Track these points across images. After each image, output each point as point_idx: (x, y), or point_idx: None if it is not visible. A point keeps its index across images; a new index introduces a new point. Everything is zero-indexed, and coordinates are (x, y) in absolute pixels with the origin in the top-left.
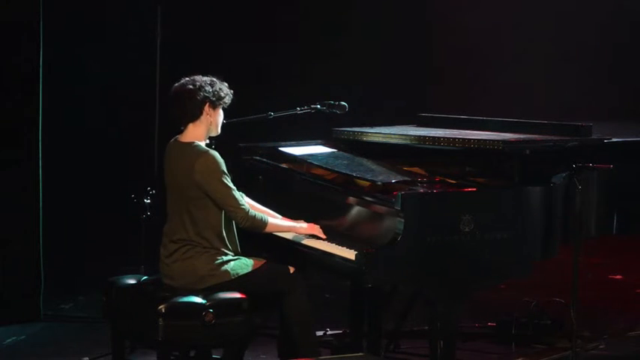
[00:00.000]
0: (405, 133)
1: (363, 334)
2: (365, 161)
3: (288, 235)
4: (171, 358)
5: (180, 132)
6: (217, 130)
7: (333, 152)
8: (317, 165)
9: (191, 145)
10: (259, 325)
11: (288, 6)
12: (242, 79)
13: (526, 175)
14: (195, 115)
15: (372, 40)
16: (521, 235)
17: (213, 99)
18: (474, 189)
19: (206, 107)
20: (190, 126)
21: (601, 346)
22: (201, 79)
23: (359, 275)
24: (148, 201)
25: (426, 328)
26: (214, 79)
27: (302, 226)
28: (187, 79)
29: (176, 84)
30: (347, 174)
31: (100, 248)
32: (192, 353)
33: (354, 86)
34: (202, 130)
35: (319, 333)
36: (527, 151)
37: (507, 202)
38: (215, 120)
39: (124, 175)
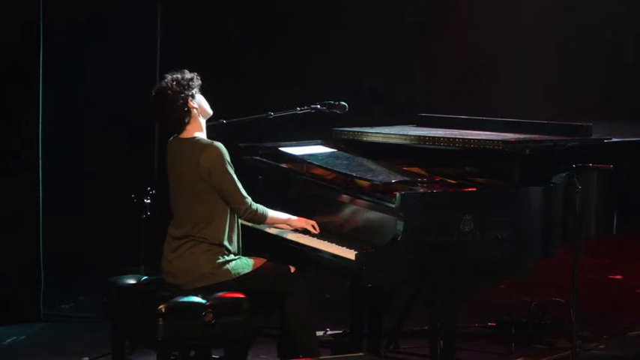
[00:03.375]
0: (405, 133)
1: (363, 334)
2: (365, 161)
3: (289, 236)
4: (172, 358)
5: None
6: (209, 112)
7: (333, 152)
8: (317, 165)
9: (193, 140)
10: (262, 326)
11: (288, 5)
12: (242, 79)
13: (526, 175)
14: (186, 118)
15: (372, 39)
16: (521, 235)
17: (190, 94)
18: (474, 189)
19: (189, 104)
20: (188, 127)
21: (601, 346)
22: (167, 84)
23: (359, 275)
24: (148, 201)
25: (426, 328)
26: (175, 76)
27: (289, 217)
28: (156, 92)
29: (152, 100)
30: (347, 174)
31: (100, 248)
32: (192, 353)
33: (354, 86)
34: (198, 123)
35: (319, 333)
36: (527, 151)
37: (507, 202)
38: (201, 106)
39: (124, 175)
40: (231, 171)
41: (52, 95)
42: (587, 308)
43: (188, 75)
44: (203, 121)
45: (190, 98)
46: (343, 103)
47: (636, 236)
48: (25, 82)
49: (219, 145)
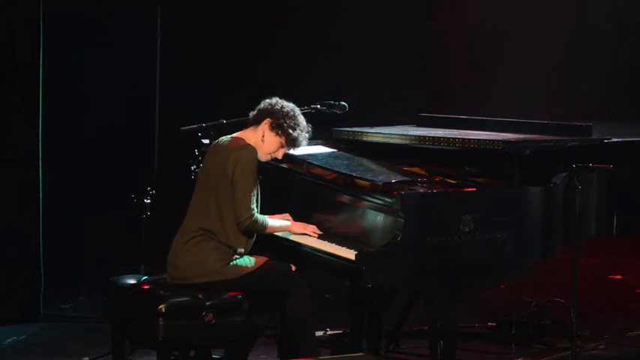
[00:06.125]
0: (405, 133)
1: (363, 334)
2: (365, 161)
3: (290, 236)
4: (171, 358)
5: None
6: (262, 156)
7: (333, 152)
8: (317, 165)
9: (239, 139)
10: (263, 326)
11: (288, 5)
12: (242, 79)
13: (526, 175)
14: (255, 120)
15: (372, 39)
16: (521, 235)
17: (276, 123)
18: (474, 189)
19: (266, 121)
20: (251, 128)
21: (601, 346)
22: (289, 110)
23: (359, 275)
24: (148, 201)
25: (426, 328)
26: (301, 122)
27: (287, 224)
28: (270, 103)
29: (264, 104)
30: (347, 174)
31: (100, 248)
32: (192, 353)
33: (354, 86)
34: (253, 139)
35: (319, 333)
36: (527, 151)
37: (507, 202)
38: (267, 140)
39: (124, 175)
40: (252, 178)
41: (52, 95)
42: (587, 308)
43: (302, 132)
44: (255, 145)
45: (270, 122)
46: (343, 103)
47: (636, 236)
48: (25, 82)
49: (255, 152)
